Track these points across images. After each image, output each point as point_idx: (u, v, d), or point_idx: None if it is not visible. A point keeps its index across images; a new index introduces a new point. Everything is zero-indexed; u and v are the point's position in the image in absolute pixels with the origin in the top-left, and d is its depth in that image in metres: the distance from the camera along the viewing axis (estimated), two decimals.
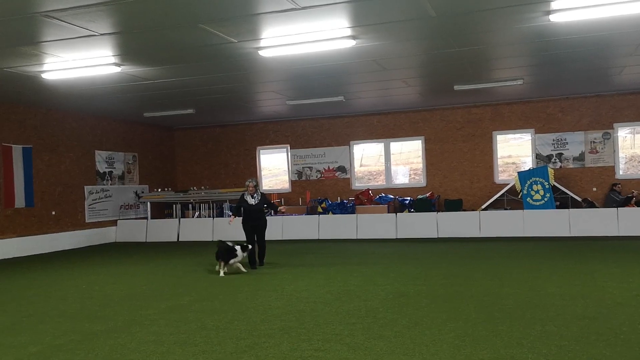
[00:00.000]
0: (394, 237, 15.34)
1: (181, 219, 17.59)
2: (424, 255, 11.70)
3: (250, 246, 10.34)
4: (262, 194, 11.04)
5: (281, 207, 11.51)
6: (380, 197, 17.20)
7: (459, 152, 17.37)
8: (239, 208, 10.98)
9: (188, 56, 9.95)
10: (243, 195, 10.92)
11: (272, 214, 17.09)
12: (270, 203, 11.29)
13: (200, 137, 20.34)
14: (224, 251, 10.09)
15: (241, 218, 10.99)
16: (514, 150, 17.37)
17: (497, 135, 17.14)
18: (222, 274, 9.92)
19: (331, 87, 13.43)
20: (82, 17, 7.52)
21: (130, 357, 5.28)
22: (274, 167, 20.06)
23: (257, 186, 10.96)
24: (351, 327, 6.03)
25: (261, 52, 9.61)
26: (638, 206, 14.76)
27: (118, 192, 17.82)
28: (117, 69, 10.48)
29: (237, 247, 10.07)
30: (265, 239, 11.10)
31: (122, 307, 7.56)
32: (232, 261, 10.00)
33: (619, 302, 6.77)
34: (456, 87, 13.67)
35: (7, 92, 12.64)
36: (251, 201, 10.78)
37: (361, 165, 18.91)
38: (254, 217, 10.79)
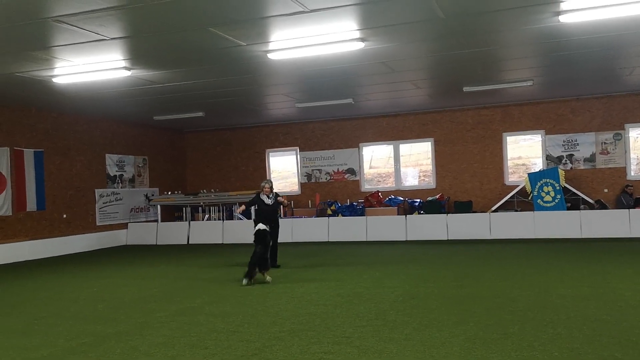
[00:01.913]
0: (404, 239, 15.30)
1: (191, 222, 17.65)
2: (434, 257, 11.67)
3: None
4: (276, 194, 11.10)
5: (280, 198, 11.15)
6: (389, 199, 17.16)
7: (469, 154, 17.31)
8: (252, 204, 11.03)
9: (197, 59, 10.00)
10: (258, 194, 10.97)
11: (283, 212, 17.19)
12: (280, 202, 11.35)
13: (210, 140, 20.41)
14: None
15: (252, 218, 11.01)
16: (524, 152, 17.29)
17: (507, 137, 17.07)
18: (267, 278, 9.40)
19: (340, 89, 13.44)
20: (93, 22, 7.58)
21: None
22: (284, 170, 20.10)
23: (272, 187, 11.04)
24: (361, 330, 6.02)
25: (270, 55, 9.64)
26: None
27: (128, 195, 17.91)
28: (127, 73, 10.55)
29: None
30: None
31: (133, 310, 7.60)
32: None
33: (631, 304, 6.72)
34: (465, 89, 13.63)
35: (18, 96, 12.76)
36: (267, 201, 10.83)
37: (370, 167, 18.90)
38: (268, 219, 10.67)
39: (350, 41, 8.96)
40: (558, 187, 14.90)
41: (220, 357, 5.28)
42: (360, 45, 9.16)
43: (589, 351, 5.00)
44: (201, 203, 18.10)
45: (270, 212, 10.84)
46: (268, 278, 9.36)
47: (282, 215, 17.38)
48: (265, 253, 9.53)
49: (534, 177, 15.29)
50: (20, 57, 9.33)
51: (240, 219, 17.30)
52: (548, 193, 15.01)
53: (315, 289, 8.59)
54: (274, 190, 11.13)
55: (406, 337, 5.68)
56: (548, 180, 15.04)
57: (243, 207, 11.08)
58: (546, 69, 12.11)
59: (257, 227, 9.78)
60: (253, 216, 10.78)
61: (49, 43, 8.56)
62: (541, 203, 15.06)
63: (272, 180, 11.33)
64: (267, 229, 9.86)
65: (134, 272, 11.48)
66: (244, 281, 9.18)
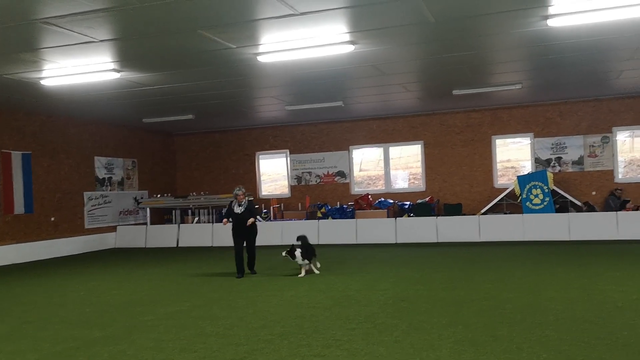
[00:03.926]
0: (394, 242, 15.32)
1: (181, 225, 17.58)
2: (423, 260, 11.69)
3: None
4: (249, 202, 10.68)
5: (250, 220, 10.50)
6: (379, 201, 17.20)
7: (458, 157, 17.38)
8: (228, 215, 10.67)
9: (187, 62, 9.97)
10: (231, 202, 10.64)
11: (273, 215, 17.16)
12: (253, 210, 10.68)
13: (199, 143, 20.35)
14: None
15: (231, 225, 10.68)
16: (513, 155, 17.38)
17: (496, 140, 17.16)
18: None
19: (330, 92, 13.45)
20: (81, 24, 7.54)
21: None
22: (274, 172, 20.07)
23: (246, 194, 10.65)
24: (351, 333, 6.02)
25: (260, 58, 9.62)
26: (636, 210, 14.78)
27: (117, 198, 17.81)
28: (116, 75, 10.49)
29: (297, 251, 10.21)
30: (257, 244, 10.82)
31: (122, 314, 7.55)
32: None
33: (618, 306, 6.76)
34: (455, 92, 13.69)
35: (6, 98, 12.65)
36: (237, 210, 10.43)
37: (360, 170, 18.92)
38: (242, 225, 10.44)
39: (340, 44, 8.97)
40: (547, 190, 14.99)
41: None
42: (351, 48, 9.17)
43: (577, 353, 5.02)
44: (191, 206, 18.04)
45: (242, 219, 10.41)
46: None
47: (271, 218, 17.37)
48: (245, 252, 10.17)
49: (522, 179, 15.38)
50: (8, 58, 9.25)
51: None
52: (537, 196, 15.10)
53: (305, 291, 8.58)
54: (246, 198, 10.65)
55: (396, 339, 5.69)
56: (537, 183, 15.12)
57: (226, 221, 10.71)
58: (535, 72, 12.19)
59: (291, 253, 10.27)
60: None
61: (37, 45, 8.50)
62: (530, 205, 15.14)
63: (242, 187, 10.84)
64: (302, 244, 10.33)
65: (123, 275, 11.41)
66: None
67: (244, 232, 10.49)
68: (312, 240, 15.90)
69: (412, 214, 16.47)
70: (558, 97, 15.85)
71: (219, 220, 17.64)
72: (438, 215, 16.25)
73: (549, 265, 10.32)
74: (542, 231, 14.42)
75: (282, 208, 18.49)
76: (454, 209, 16.52)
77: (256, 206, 11.13)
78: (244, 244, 10.60)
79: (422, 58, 10.48)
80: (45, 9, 6.93)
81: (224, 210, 11.12)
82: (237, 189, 10.59)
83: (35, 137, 15.01)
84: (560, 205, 15.43)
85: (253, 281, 9.84)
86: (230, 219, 10.63)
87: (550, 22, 8.27)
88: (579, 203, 15.41)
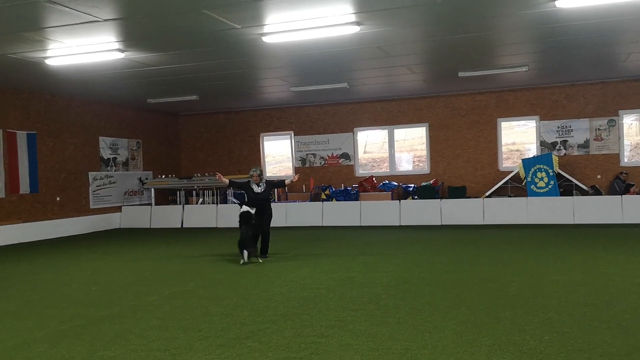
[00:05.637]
0: (398, 224, 15.35)
1: (185, 206, 17.64)
2: (427, 242, 11.72)
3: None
4: (267, 182, 10.54)
5: (288, 181, 10.90)
6: (384, 184, 17.19)
7: (463, 139, 17.32)
8: (238, 187, 10.50)
9: (191, 42, 9.92)
10: (248, 182, 10.40)
11: (286, 189, 17.09)
12: (278, 183, 10.93)
13: (204, 124, 20.33)
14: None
15: (238, 202, 10.67)
16: (519, 137, 17.31)
17: (502, 122, 17.08)
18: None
19: (335, 73, 13.38)
20: (86, 3, 7.49)
21: (134, 342, 5.32)
22: (278, 154, 20.06)
23: (261, 175, 10.47)
24: (354, 314, 6.05)
25: (265, 39, 9.57)
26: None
27: (122, 178, 17.86)
28: (121, 55, 10.46)
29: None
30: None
31: (127, 293, 7.61)
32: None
33: (621, 289, 6.78)
34: (461, 74, 13.60)
35: (11, 78, 12.64)
36: (257, 189, 10.25)
37: (365, 152, 18.89)
38: (259, 206, 10.30)
39: (345, 25, 8.90)
40: (552, 173, 14.96)
41: (214, 339, 5.31)
42: (356, 29, 9.10)
43: (579, 335, 5.04)
44: (195, 187, 18.08)
45: (260, 200, 10.29)
46: (260, 259, 9.81)
47: (275, 200, 17.41)
48: (248, 234, 9.73)
49: (527, 162, 15.34)
50: (13, 38, 9.22)
51: (234, 203, 17.31)
52: (542, 179, 15.06)
53: (309, 273, 8.62)
54: (264, 178, 10.60)
55: (399, 321, 5.72)
56: (542, 166, 15.09)
57: (226, 180, 10.58)
58: (541, 54, 12.09)
59: (241, 209, 9.97)
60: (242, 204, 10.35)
61: (41, 24, 8.46)
62: (535, 189, 15.12)
63: (261, 168, 10.77)
64: (251, 211, 9.89)
65: (128, 255, 11.48)
66: (241, 261, 9.63)
67: (261, 212, 10.30)
68: (316, 223, 16.06)
69: (416, 197, 16.47)
70: (564, 79, 15.73)
71: (224, 201, 17.72)
72: (442, 197, 16.24)
73: (553, 248, 10.33)
74: (547, 214, 14.41)
75: (286, 189, 18.50)
76: (458, 192, 16.51)
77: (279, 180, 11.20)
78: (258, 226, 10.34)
79: (428, 39, 10.40)
80: None
81: (235, 180, 10.99)
82: (253, 169, 10.40)
83: (40, 117, 15.02)
84: (565, 189, 15.40)
85: (257, 262, 9.84)
86: (245, 199, 10.47)
87: (558, 3, 8.18)
88: (585, 187, 15.37)
